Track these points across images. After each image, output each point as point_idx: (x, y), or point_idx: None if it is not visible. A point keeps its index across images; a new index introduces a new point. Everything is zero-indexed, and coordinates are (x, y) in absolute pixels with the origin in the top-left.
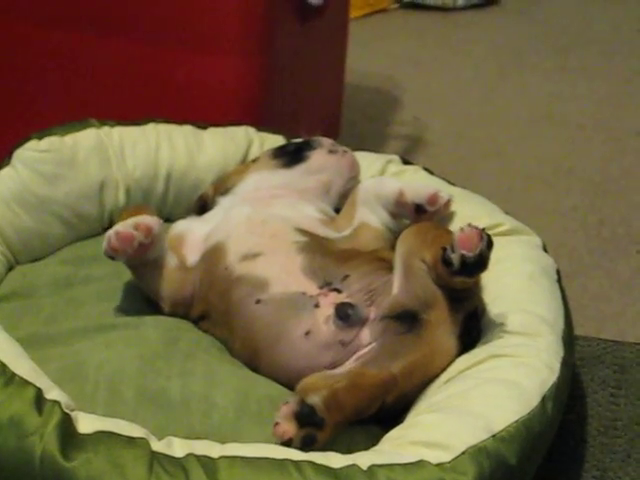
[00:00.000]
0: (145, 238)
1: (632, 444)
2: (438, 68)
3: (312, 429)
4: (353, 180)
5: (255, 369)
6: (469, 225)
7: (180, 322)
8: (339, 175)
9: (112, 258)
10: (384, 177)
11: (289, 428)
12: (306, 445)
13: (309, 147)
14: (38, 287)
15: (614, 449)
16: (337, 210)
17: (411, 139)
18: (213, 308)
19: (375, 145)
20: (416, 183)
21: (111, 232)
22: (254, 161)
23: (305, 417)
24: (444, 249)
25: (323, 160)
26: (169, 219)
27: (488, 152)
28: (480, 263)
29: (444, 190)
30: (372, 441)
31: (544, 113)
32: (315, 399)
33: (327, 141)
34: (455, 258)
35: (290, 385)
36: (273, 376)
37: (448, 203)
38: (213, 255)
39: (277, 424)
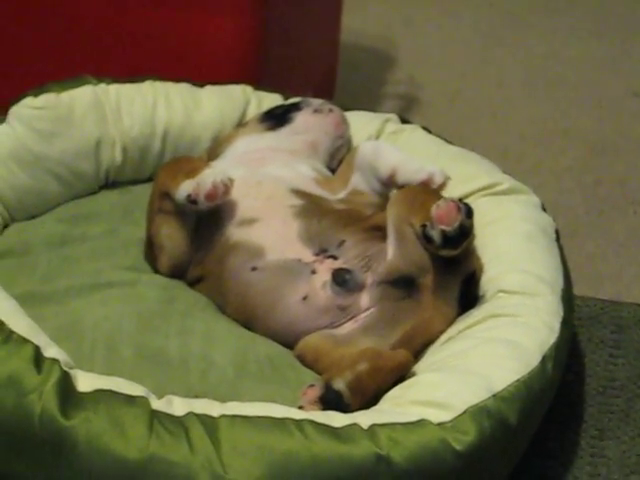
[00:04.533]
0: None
1: (630, 404)
2: (432, 28)
3: None
4: (341, 139)
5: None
6: (444, 199)
7: (176, 282)
8: (325, 134)
9: (195, 203)
10: (383, 144)
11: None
12: None
13: (295, 108)
14: (34, 245)
15: (612, 409)
16: (332, 170)
17: (406, 99)
18: (208, 273)
19: (370, 104)
20: (413, 162)
21: (208, 181)
22: (243, 126)
23: (331, 403)
24: (424, 226)
25: (308, 120)
26: None
27: (483, 112)
28: (462, 234)
29: (440, 172)
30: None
31: (539, 73)
32: (341, 385)
33: (314, 101)
34: (435, 234)
35: (287, 346)
36: (269, 339)
37: (442, 185)
38: (210, 220)
39: (301, 407)
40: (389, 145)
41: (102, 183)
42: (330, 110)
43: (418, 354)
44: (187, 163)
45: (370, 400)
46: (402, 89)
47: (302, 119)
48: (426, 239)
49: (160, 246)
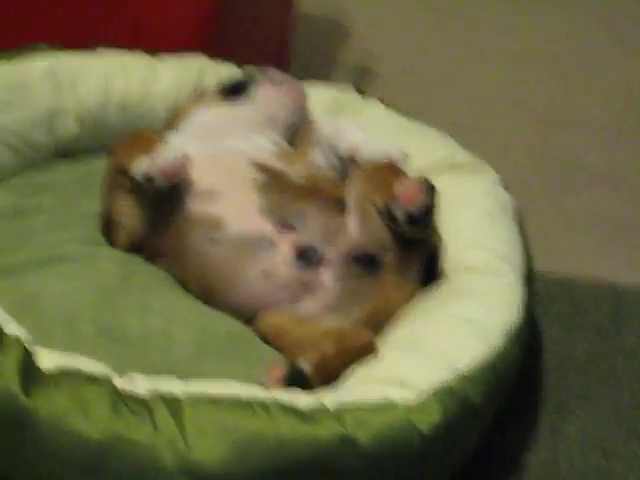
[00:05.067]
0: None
1: (589, 381)
2: (389, 1)
3: None
4: (300, 111)
5: (210, 306)
6: (408, 179)
7: (134, 256)
8: (283, 107)
9: (151, 180)
10: (343, 123)
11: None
12: None
13: (253, 81)
14: None
15: (571, 386)
16: (290, 143)
17: (361, 71)
18: (168, 248)
19: (325, 76)
20: (373, 142)
21: (164, 158)
22: (201, 97)
23: (296, 383)
24: (387, 205)
25: (267, 93)
26: None
27: (438, 86)
28: (427, 214)
29: (399, 151)
30: None
31: (495, 47)
32: (305, 365)
33: (272, 73)
34: (400, 215)
35: (248, 321)
36: (229, 313)
37: (402, 165)
38: (169, 194)
39: (265, 387)
40: (350, 123)
41: (57, 154)
42: (288, 82)
43: (380, 332)
44: (144, 139)
45: (335, 380)
46: (358, 61)
47: (260, 92)
48: (390, 218)
49: (117, 223)
